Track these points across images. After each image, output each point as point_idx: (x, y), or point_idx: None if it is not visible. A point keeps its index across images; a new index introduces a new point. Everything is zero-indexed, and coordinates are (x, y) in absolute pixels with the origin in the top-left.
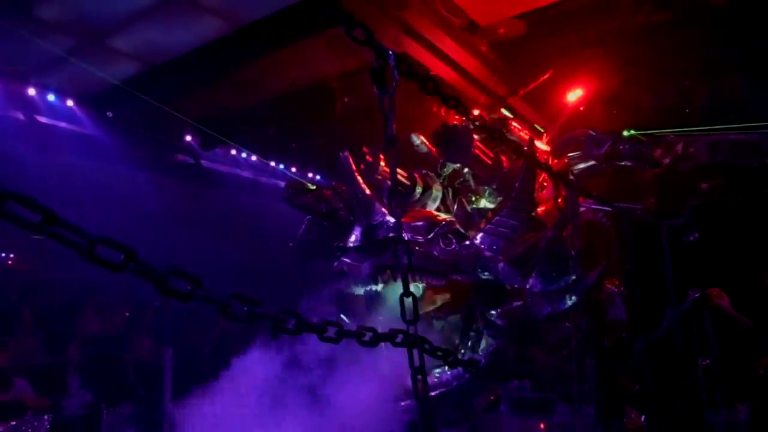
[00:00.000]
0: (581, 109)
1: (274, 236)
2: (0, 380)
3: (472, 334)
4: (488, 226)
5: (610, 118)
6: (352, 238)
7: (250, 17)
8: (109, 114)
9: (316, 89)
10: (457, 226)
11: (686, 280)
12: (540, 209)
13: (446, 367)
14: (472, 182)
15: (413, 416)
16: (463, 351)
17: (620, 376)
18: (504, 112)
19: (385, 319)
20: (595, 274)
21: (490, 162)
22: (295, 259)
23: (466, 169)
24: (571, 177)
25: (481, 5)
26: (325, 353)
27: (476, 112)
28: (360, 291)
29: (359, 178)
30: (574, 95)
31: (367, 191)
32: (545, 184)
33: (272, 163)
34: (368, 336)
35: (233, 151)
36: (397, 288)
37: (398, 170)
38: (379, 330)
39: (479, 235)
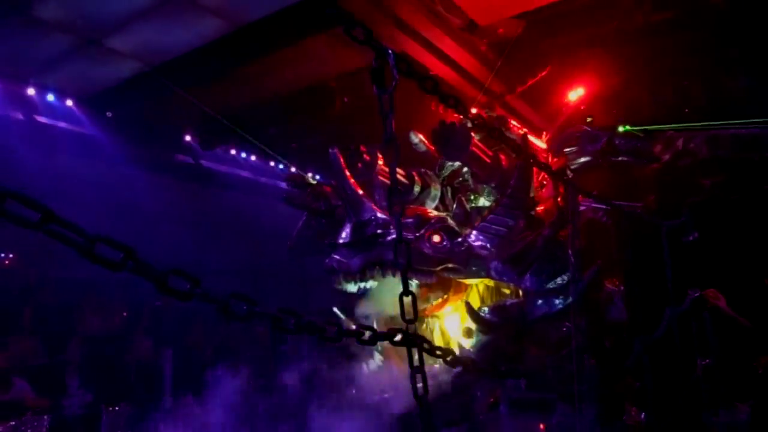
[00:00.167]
0: (581, 107)
1: (274, 236)
2: (0, 380)
3: (462, 327)
4: (482, 223)
5: (609, 117)
6: (342, 234)
7: (249, 17)
8: (109, 114)
9: (316, 89)
10: (450, 223)
11: (686, 280)
12: (540, 208)
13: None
14: (471, 181)
15: (394, 411)
16: (451, 342)
17: (620, 376)
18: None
19: (377, 314)
20: (591, 273)
21: (488, 160)
22: (293, 256)
23: (465, 168)
24: (569, 173)
25: (481, 5)
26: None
27: (474, 111)
28: (352, 288)
29: (348, 174)
30: (573, 94)
31: (356, 188)
32: (545, 182)
33: (272, 163)
34: (368, 335)
35: (233, 151)
36: (389, 285)
37: (398, 170)
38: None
39: (473, 233)
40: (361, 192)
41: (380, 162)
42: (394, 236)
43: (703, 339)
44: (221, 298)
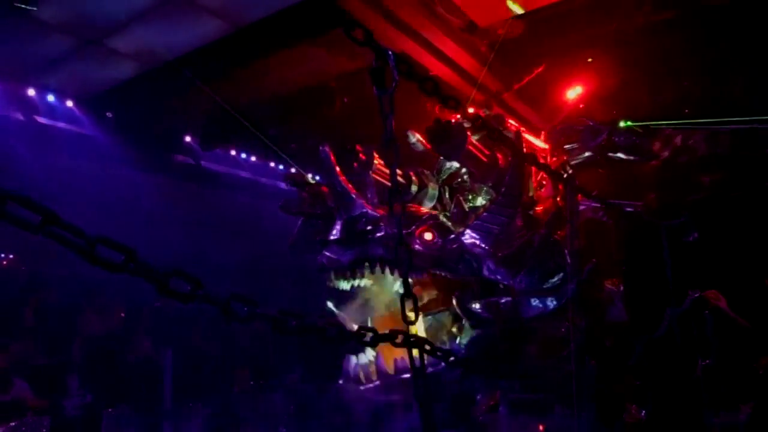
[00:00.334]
0: (580, 106)
1: (274, 236)
2: (0, 381)
3: (455, 326)
4: (476, 222)
5: (609, 117)
6: (333, 231)
7: (249, 18)
8: (109, 114)
9: (316, 90)
10: (442, 220)
11: (686, 280)
12: (539, 208)
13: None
14: (468, 181)
15: (379, 399)
16: (445, 342)
17: (620, 376)
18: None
19: (372, 312)
20: (586, 272)
21: (485, 159)
22: (293, 254)
23: (464, 170)
24: (569, 170)
25: (480, 6)
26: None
27: (471, 110)
28: (344, 285)
29: (339, 171)
30: (573, 93)
31: (347, 185)
32: (544, 182)
33: (272, 164)
34: (368, 337)
35: (233, 152)
36: (383, 282)
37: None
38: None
39: (467, 231)
40: (351, 189)
41: (376, 161)
42: (383, 233)
43: (704, 340)
44: (222, 300)
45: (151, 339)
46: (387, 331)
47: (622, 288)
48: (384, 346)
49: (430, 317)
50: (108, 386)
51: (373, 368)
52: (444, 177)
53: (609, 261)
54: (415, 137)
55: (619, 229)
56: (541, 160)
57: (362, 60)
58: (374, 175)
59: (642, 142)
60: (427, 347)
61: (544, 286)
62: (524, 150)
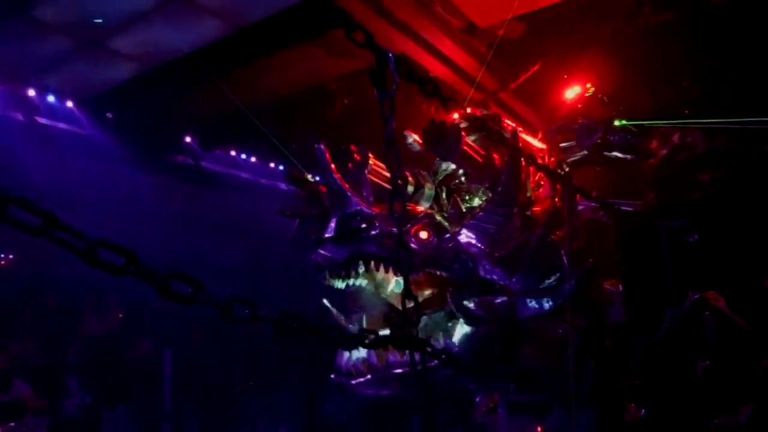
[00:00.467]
0: (578, 106)
1: (274, 236)
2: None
3: (450, 325)
4: (472, 221)
5: (607, 117)
6: (328, 229)
7: (249, 19)
8: (109, 115)
9: (316, 90)
10: (438, 219)
11: (686, 281)
12: (537, 208)
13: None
14: (465, 182)
15: (370, 393)
16: (439, 341)
17: (620, 377)
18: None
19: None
20: (581, 273)
21: (480, 159)
22: (294, 250)
23: (461, 171)
24: (566, 168)
25: (480, 7)
26: None
27: (468, 110)
28: (339, 284)
29: (334, 168)
30: (572, 94)
31: (342, 182)
32: (542, 182)
33: (272, 164)
34: (370, 339)
35: (233, 152)
36: (378, 281)
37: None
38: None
39: (463, 230)
40: (347, 187)
41: (371, 161)
42: (378, 231)
43: (704, 341)
44: (223, 302)
45: (151, 339)
46: (381, 332)
47: (621, 289)
48: (371, 323)
49: (425, 317)
50: (107, 387)
51: (365, 363)
52: (440, 178)
53: (608, 261)
54: (412, 137)
55: (618, 229)
56: (539, 160)
57: (362, 60)
58: (370, 176)
59: (637, 141)
60: (429, 349)
61: (541, 287)
62: (521, 149)
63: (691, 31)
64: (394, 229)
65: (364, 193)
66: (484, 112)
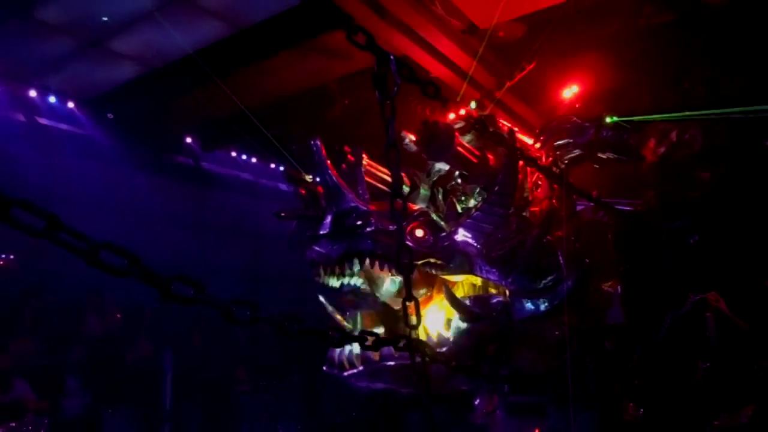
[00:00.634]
0: (576, 106)
1: (274, 237)
2: (0, 381)
3: (444, 323)
4: (468, 220)
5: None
6: (323, 225)
7: (250, 20)
8: (110, 116)
9: (317, 91)
10: (434, 217)
11: (686, 282)
12: (534, 209)
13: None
14: (461, 183)
15: (362, 385)
16: (434, 340)
17: (619, 379)
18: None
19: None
20: (577, 274)
21: (475, 160)
22: (294, 247)
23: (457, 172)
24: (562, 166)
25: (480, 8)
26: None
27: (462, 111)
28: (334, 283)
29: (330, 164)
30: (569, 94)
31: (338, 179)
32: (540, 183)
33: (272, 165)
34: (371, 341)
35: (233, 153)
36: (372, 279)
37: (384, 169)
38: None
39: (459, 230)
40: (342, 183)
41: (365, 161)
42: (374, 227)
43: (704, 342)
44: (224, 304)
45: (151, 339)
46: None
47: (619, 290)
48: (368, 325)
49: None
50: (108, 387)
51: (357, 355)
52: (435, 178)
53: (606, 262)
54: (408, 138)
55: (617, 230)
56: (537, 161)
57: (363, 61)
58: (365, 177)
59: (630, 137)
60: (428, 351)
61: (537, 288)
62: (518, 149)
63: (692, 32)
64: (391, 227)
65: (360, 191)
66: (481, 113)
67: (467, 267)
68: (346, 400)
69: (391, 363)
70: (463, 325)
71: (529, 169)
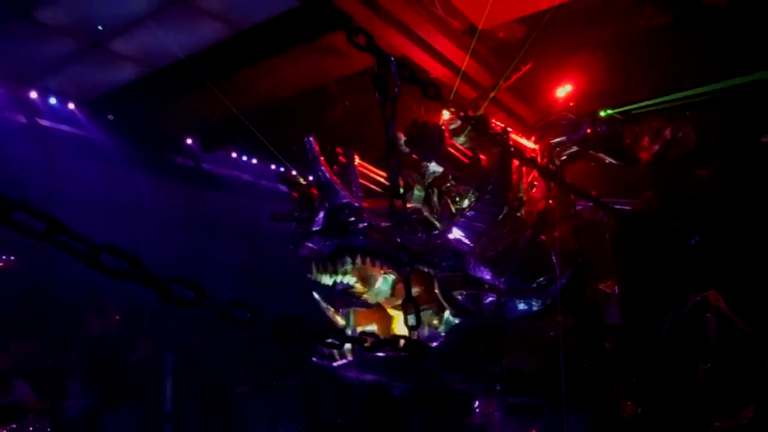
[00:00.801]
0: (571, 104)
1: (275, 238)
2: (0, 383)
3: (437, 321)
4: (461, 219)
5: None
6: (316, 221)
7: (249, 21)
8: (110, 117)
9: (317, 92)
10: (427, 215)
11: (686, 282)
12: (530, 209)
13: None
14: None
15: (352, 376)
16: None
17: (617, 379)
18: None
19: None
20: (569, 273)
21: (466, 161)
22: (294, 245)
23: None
24: (557, 163)
25: (480, 9)
26: None
27: (451, 112)
28: (327, 280)
29: (323, 160)
30: (573, 95)
31: (331, 175)
32: (535, 183)
33: (273, 166)
34: (370, 342)
35: (233, 154)
36: (366, 278)
37: (377, 171)
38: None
39: (452, 228)
40: (335, 179)
41: (357, 161)
42: (366, 224)
43: (705, 343)
44: (224, 306)
45: (152, 340)
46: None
47: (616, 290)
48: (360, 322)
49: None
50: (109, 388)
51: (347, 346)
52: (429, 180)
53: (603, 262)
54: (402, 139)
55: (616, 230)
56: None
57: (363, 62)
58: (358, 178)
59: (624, 129)
60: (429, 352)
61: (529, 287)
62: (511, 147)
63: (692, 32)
64: (383, 223)
65: (354, 188)
66: (476, 113)
67: (459, 265)
68: (347, 401)
69: (381, 354)
70: (455, 321)
71: (524, 169)
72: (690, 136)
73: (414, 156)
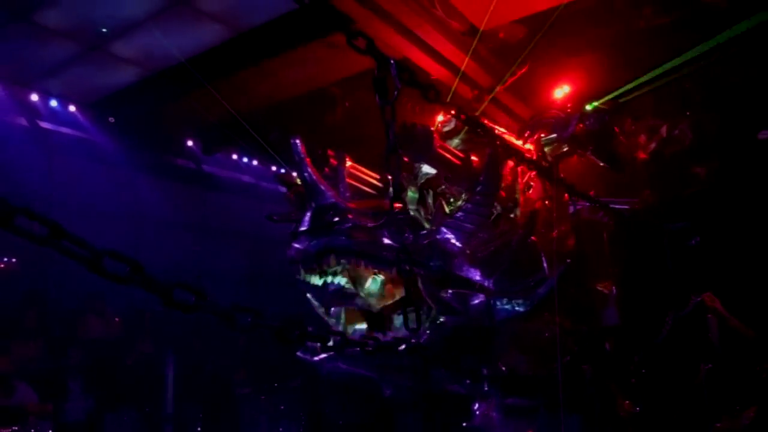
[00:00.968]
0: (568, 105)
1: (276, 239)
2: (2, 385)
3: (423, 317)
4: (449, 219)
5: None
6: (303, 222)
7: (250, 23)
8: (111, 119)
9: (317, 94)
10: (414, 215)
11: (685, 282)
12: (525, 210)
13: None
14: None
15: (337, 368)
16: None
17: (616, 380)
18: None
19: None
20: (557, 273)
21: (457, 162)
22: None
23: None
24: (550, 160)
25: (481, 9)
26: None
27: (442, 115)
28: (316, 281)
29: (309, 161)
30: (572, 95)
31: (317, 175)
32: (531, 183)
33: (273, 168)
34: (371, 345)
35: (234, 156)
36: (356, 278)
37: (369, 172)
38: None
39: (441, 229)
40: (321, 180)
41: (348, 164)
42: (351, 224)
43: (706, 344)
44: (225, 311)
45: (153, 342)
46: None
47: (614, 291)
48: (349, 316)
49: (400, 315)
50: (110, 390)
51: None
52: (422, 181)
53: (600, 263)
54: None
55: (616, 230)
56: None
57: (364, 63)
58: (348, 179)
59: (612, 120)
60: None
61: (519, 288)
62: (500, 147)
63: (693, 32)
64: (369, 224)
65: (341, 189)
66: (471, 113)
67: (447, 265)
68: (347, 402)
69: (368, 348)
70: (441, 319)
71: (519, 169)
72: (686, 133)
73: (404, 158)
